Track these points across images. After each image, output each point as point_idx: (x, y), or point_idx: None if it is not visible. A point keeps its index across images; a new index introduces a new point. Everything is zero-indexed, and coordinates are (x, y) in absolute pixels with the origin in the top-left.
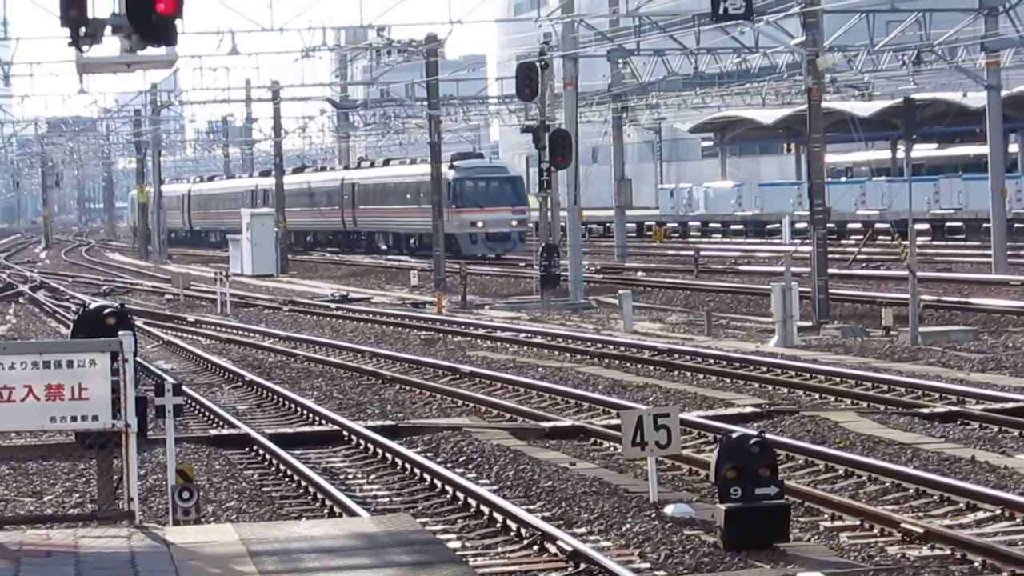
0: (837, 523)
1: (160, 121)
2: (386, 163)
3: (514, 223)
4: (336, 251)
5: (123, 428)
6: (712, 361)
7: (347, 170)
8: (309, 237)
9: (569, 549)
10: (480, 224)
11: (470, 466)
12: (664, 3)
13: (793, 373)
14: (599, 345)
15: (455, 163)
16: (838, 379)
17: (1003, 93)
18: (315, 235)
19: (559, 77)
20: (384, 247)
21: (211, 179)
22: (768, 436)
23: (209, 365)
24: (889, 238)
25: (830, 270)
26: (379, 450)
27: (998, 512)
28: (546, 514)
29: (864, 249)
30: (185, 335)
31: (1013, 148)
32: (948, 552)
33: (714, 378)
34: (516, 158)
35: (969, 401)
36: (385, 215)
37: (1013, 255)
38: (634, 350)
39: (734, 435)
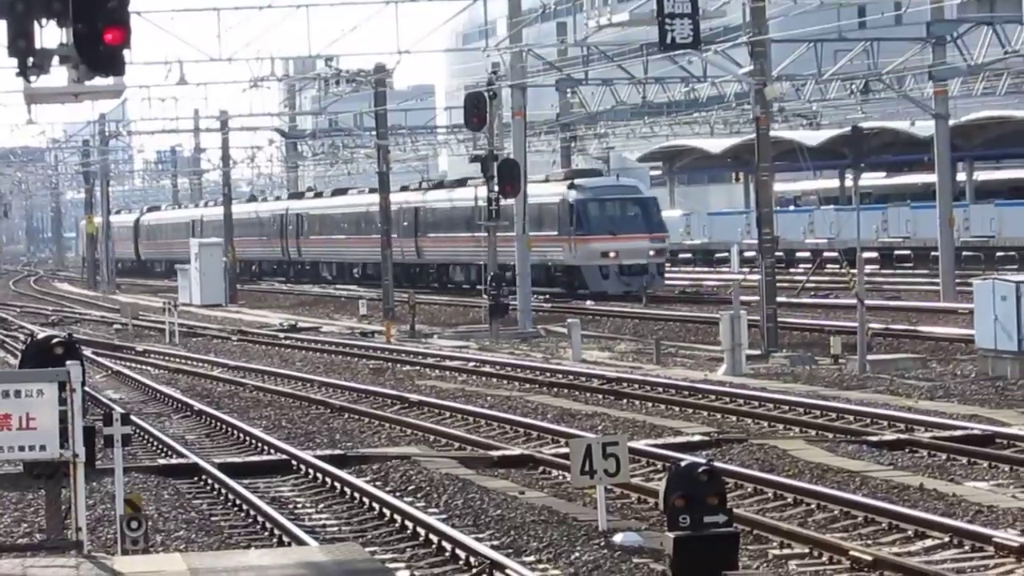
0: (786, 551)
1: (108, 151)
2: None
3: (652, 253)
4: (282, 280)
5: (71, 458)
6: (661, 390)
7: (291, 200)
8: (254, 267)
9: None
10: (613, 255)
11: (419, 495)
12: (612, 33)
13: (742, 401)
14: (548, 374)
15: (576, 182)
16: (787, 407)
17: (950, 122)
18: (260, 264)
19: (507, 107)
20: (329, 276)
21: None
22: (717, 464)
23: (158, 395)
24: (837, 266)
25: (779, 298)
26: (328, 479)
27: (947, 539)
28: (495, 543)
29: (812, 278)
30: (134, 365)
31: (961, 177)
32: None
33: (663, 407)
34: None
35: (917, 429)
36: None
37: (961, 283)
38: (583, 379)
39: (683, 463)
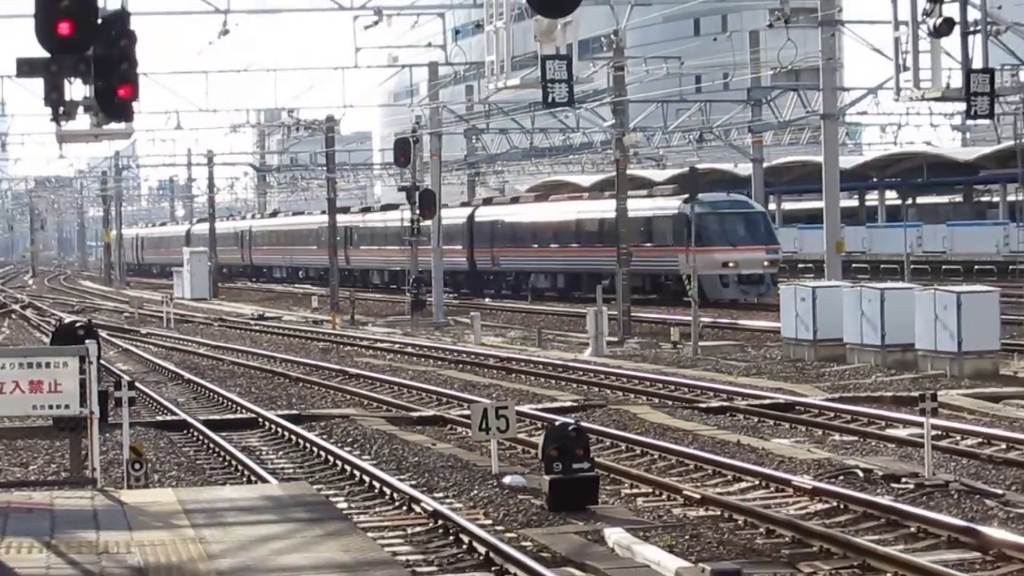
0: (635, 490)
1: (121, 180)
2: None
3: (766, 263)
4: (247, 280)
5: (89, 414)
6: (541, 367)
7: (252, 220)
8: (225, 269)
9: (431, 509)
10: (732, 265)
11: (355, 445)
12: (507, 94)
13: (603, 376)
14: (455, 354)
15: (691, 196)
16: (637, 381)
17: (764, 165)
18: (230, 268)
19: (427, 149)
20: (281, 277)
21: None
22: (583, 424)
23: (157, 367)
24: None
25: (633, 297)
26: (286, 433)
27: (757, 482)
28: (413, 482)
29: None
30: (138, 344)
31: (772, 207)
32: (719, 512)
33: (542, 380)
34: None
35: (736, 398)
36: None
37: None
38: (482, 358)
39: (557, 423)
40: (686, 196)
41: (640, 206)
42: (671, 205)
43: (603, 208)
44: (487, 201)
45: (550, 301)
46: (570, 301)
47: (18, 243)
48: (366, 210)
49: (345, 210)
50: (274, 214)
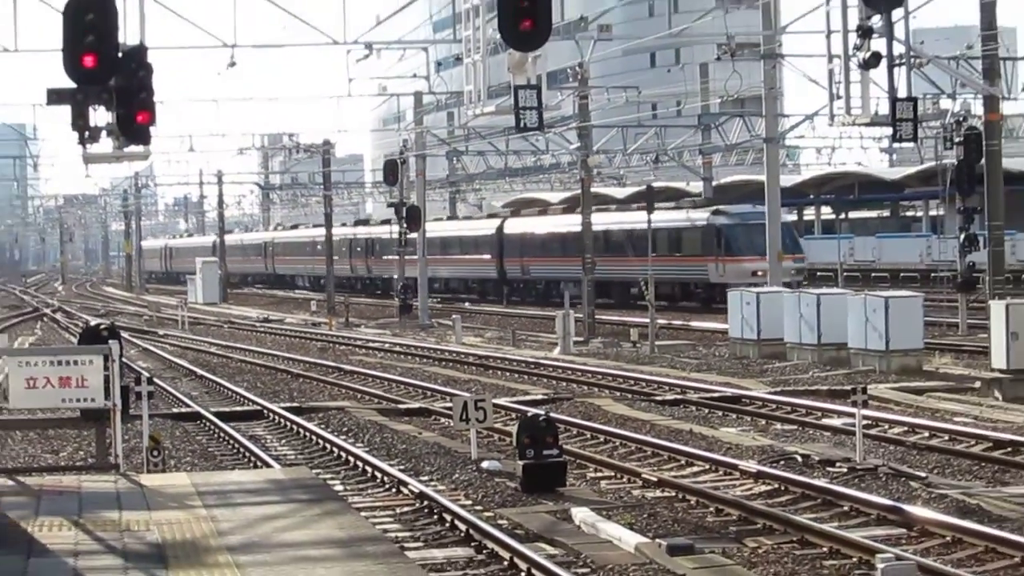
0: (599, 474)
1: (140, 197)
2: (363, 223)
3: (793, 272)
4: (263, 287)
5: (112, 407)
6: (515, 364)
7: (267, 232)
8: (249, 278)
9: (417, 491)
10: (760, 274)
11: (349, 434)
12: (484, 119)
13: (570, 372)
14: (438, 353)
15: (720, 208)
16: (600, 376)
17: (713, 183)
18: (243, 275)
19: (413, 169)
20: (303, 285)
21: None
22: (552, 415)
23: (173, 364)
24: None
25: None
26: (288, 423)
27: (708, 467)
28: (401, 467)
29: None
30: (156, 343)
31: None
32: (674, 493)
33: (516, 375)
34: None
35: (688, 391)
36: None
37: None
38: (462, 356)
39: (529, 414)
40: (715, 208)
41: (670, 218)
42: (700, 217)
43: (632, 219)
44: (515, 213)
45: (523, 304)
46: (539, 306)
47: (49, 254)
48: (386, 222)
49: (366, 222)
50: (295, 227)
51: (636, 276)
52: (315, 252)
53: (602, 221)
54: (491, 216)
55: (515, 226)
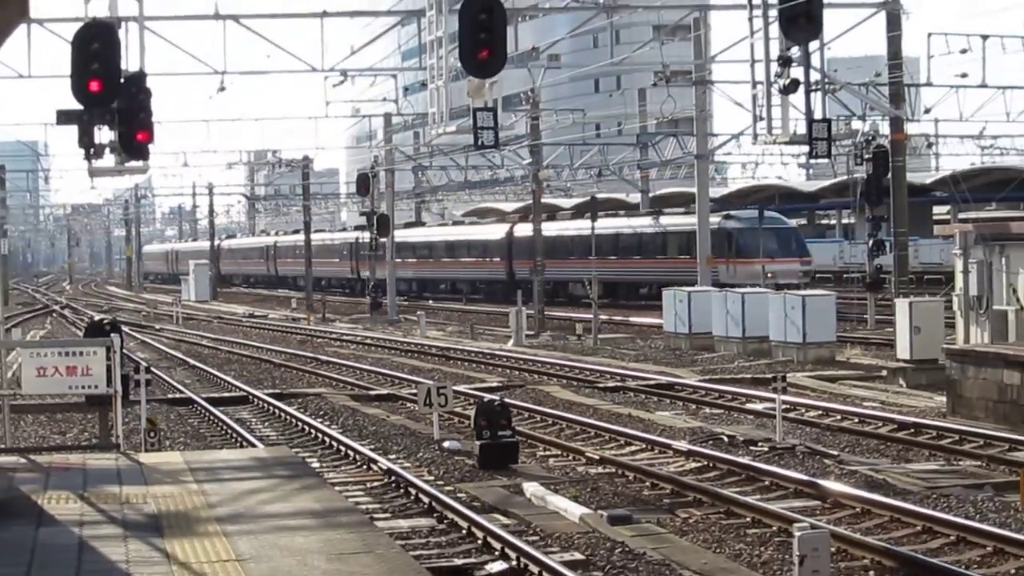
0: (547, 452)
1: (139, 206)
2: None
3: (800, 274)
4: (262, 287)
5: (114, 393)
6: (473, 354)
7: (268, 236)
8: (252, 279)
9: (385, 468)
10: (770, 275)
11: (326, 417)
12: (446, 138)
13: (522, 362)
14: (405, 345)
15: (731, 213)
16: (549, 366)
17: (650, 194)
18: (246, 277)
19: (383, 182)
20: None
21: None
22: (506, 400)
23: (168, 355)
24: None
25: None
26: (271, 407)
27: (644, 446)
28: (371, 447)
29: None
30: (154, 336)
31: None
32: (614, 470)
33: (474, 365)
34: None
35: (628, 379)
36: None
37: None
38: (426, 348)
39: (485, 399)
40: (725, 213)
41: (682, 222)
42: (711, 221)
43: (640, 224)
44: (524, 218)
45: (481, 303)
46: (495, 303)
47: (58, 256)
48: (407, 226)
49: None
50: (296, 231)
51: (646, 277)
52: (318, 256)
53: (612, 226)
54: (500, 221)
55: (525, 231)
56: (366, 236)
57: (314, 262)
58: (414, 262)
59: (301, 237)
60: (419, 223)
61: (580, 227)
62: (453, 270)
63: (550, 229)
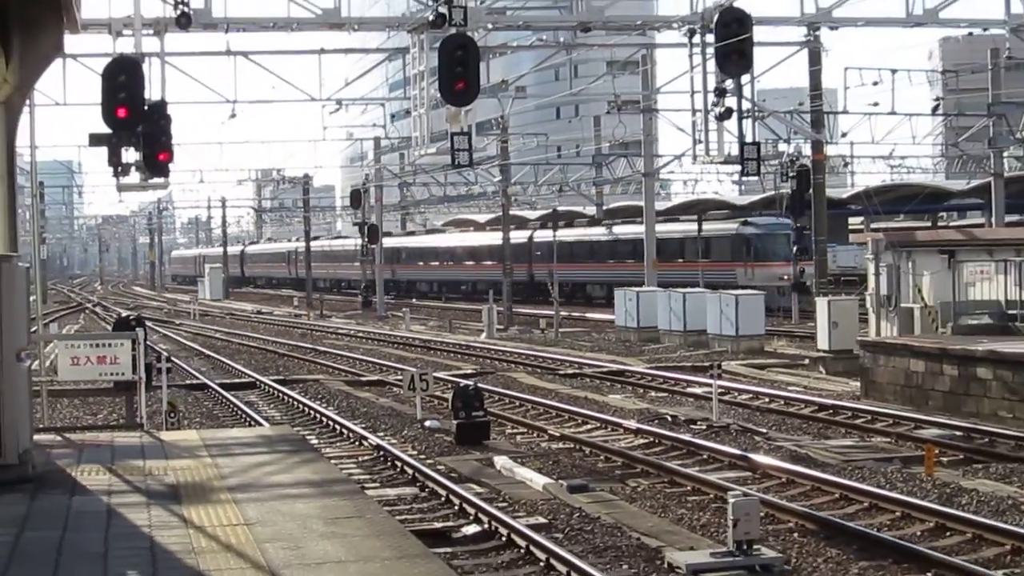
0: (515, 431)
1: (161, 217)
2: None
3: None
4: (287, 288)
5: (139, 379)
6: (451, 345)
7: (291, 242)
8: (274, 281)
9: (374, 444)
10: (786, 278)
11: (323, 401)
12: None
13: (493, 352)
14: (393, 338)
15: (748, 219)
16: (516, 356)
17: (604, 207)
18: (269, 279)
19: (373, 197)
20: (324, 287)
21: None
22: (479, 385)
23: (186, 346)
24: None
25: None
26: (276, 392)
27: (598, 425)
28: (363, 425)
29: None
30: (174, 330)
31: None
32: (572, 446)
33: (451, 354)
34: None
35: (584, 367)
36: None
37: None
38: (410, 340)
39: (461, 384)
40: (743, 220)
41: (671, 229)
42: (729, 227)
43: (637, 231)
44: (543, 225)
45: (458, 301)
46: (471, 301)
47: (90, 261)
48: (410, 234)
49: (388, 233)
50: (316, 238)
51: (638, 279)
52: (333, 259)
53: (625, 232)
54: (520, 228)
55: (544, 236)
56: (389, 241)
57: (334, 266)
58: (437, 265)
59: (320, 243)
60: (439, 230)
61: (598, 234)
62: (476, 272)
63: (570, 235)
